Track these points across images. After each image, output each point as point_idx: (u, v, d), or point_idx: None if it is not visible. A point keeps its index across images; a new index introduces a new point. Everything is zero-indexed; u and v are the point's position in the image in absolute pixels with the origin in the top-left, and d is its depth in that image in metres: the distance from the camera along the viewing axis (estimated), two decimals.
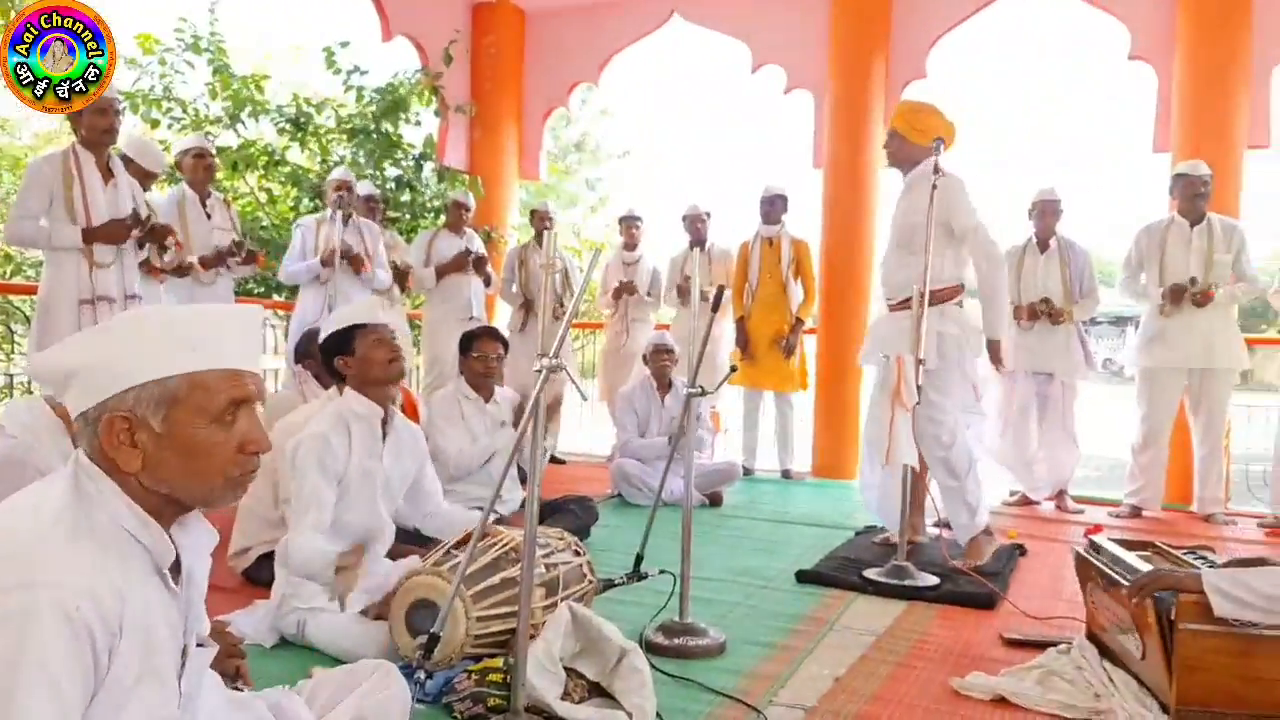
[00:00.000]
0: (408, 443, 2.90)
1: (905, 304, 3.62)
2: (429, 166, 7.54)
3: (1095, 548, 2.63)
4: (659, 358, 5.13)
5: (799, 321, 5.82)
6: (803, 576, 3.47)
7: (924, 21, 6.14)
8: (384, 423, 2.76)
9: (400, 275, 5.49)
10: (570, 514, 3.89)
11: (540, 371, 1.92)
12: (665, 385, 5.16)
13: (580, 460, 6.53)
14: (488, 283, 6.05)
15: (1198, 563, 2.35)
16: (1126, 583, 2.29)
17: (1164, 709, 2.18)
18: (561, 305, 5.93)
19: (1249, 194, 5.34)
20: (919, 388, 3.37)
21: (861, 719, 2.22)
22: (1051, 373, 4.96)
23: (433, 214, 7.59)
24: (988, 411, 4.58)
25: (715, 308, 3.00)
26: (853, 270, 6.10)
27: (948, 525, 4.10)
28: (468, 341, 4.06)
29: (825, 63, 6.25)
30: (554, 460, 6.14)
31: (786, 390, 5.93)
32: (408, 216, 7.56)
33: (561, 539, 2.71)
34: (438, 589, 2.32)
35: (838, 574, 3.47)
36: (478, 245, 6.10)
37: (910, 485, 3.49)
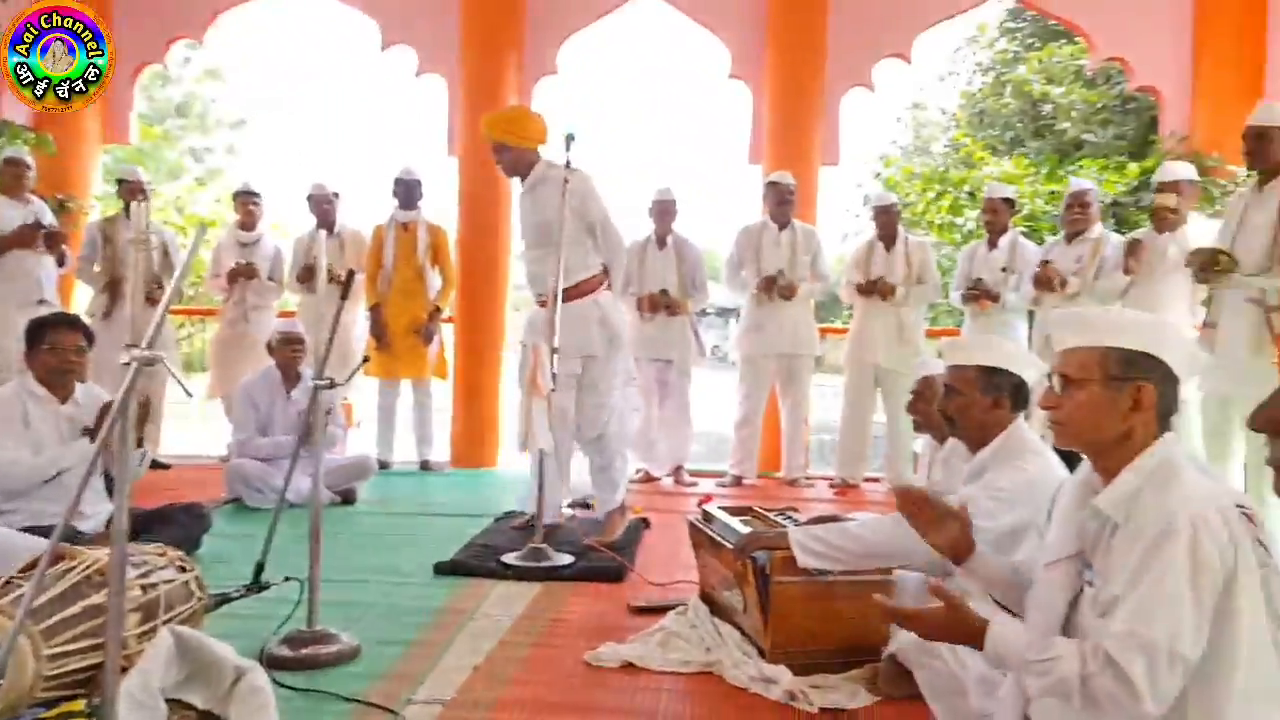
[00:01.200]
0: None
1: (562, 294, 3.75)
2: None
3: (706, 516, 2.91)
4: (286, 348, 4.74)
5: (437, 310, 5.72)
6: (440, 568, 3.42)
7: (556, 18, 6.32)
8: None
9: None
10: (176, 525, 3.46)
11: (130, 364, 1.65)
12: (292, 377, 4.78)
13: (188, 463, 5.83)
14: (61, 261, 5.15)
15: (786, 522, 2.70)
16: (731, 545, 2.57)
17: (761, 653, 2.47)
18: (160, 287, 5.23)
19: (823, 205, 6.26)
20: (575, 376, 3.49)
21: (500, 704, 2.25)
22: (670, 360, 5.41)
23: None
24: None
25: (345, 294, 2.83)
26: (489, 259, 6.13)
27: (584, 505, 4.32)
28: (37, 331, 3.36)
29: (458, 48, 6.20)
30: (156, 465, 5.41)
31: (424, 378, 5.80)
32: None
33: (163, 554, 2.39)
34: None
35: (476, 562, 3.48)
36: (48, 216, 5.17)
37: (544, 469, 3.60)
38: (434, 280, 5.77)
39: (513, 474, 5.41)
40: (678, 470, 5.55)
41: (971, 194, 8.84)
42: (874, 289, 5.23)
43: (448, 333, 6.09)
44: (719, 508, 2.98)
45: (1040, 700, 1.57)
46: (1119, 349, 1.53)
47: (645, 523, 4.28)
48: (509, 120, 3.89)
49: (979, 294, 5.09)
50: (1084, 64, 7.92)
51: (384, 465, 5.63)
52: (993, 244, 5.22)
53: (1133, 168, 7.18)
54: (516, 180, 3.96)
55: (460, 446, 6.12)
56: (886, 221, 5.39)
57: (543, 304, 3.83)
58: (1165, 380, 1.54)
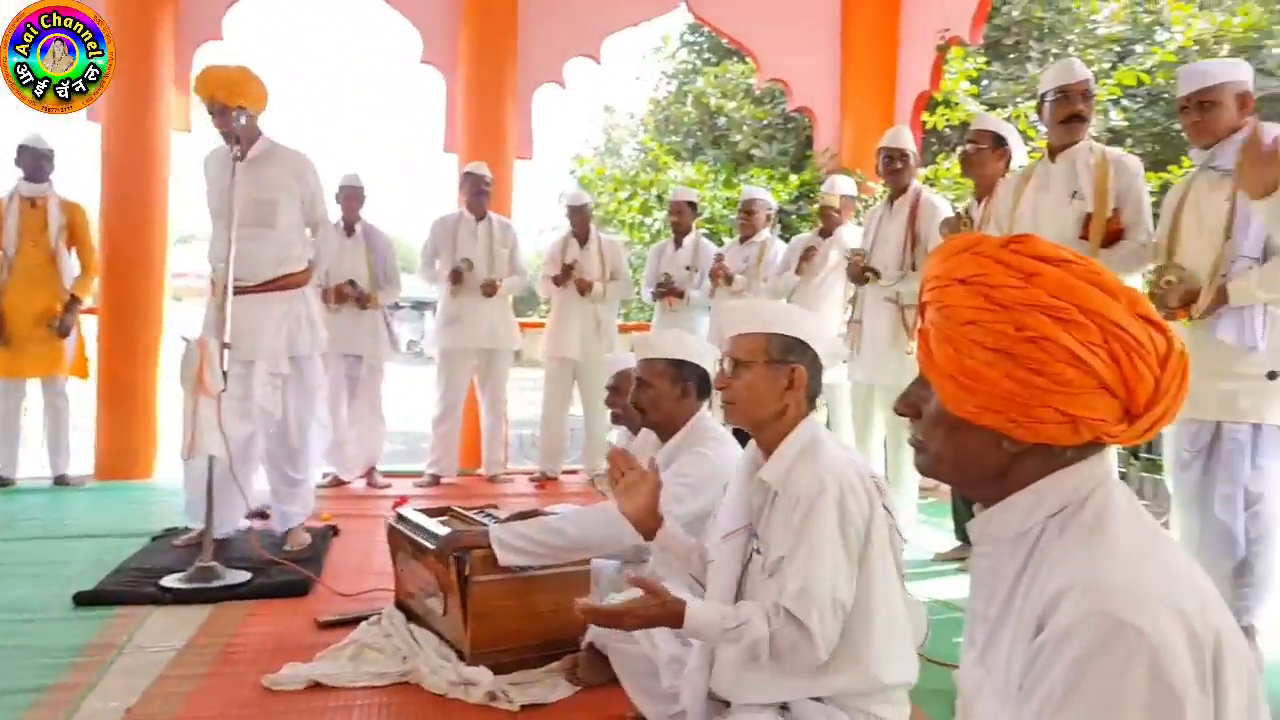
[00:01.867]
0: None
1: (268, 285, 3.42)
2: None
3: (402, 519, 2.78)
4: None
5: (75, 299, 4.92)
6: (82, 598, 2.96)
7: None
8: None
9: None
10: None
11: None
12: None
13: None
14: None
15: (486, 520, 2.66)
16: (430, 548, 2.48)
17: (461, 656, 2.41)
18: None
19: (519, 198, 6.28)
20: (226, 373, 3.14)
21: None
22: (360, 355, 5.13)
23: None
24: None
25: None
26: (141, 241, 5.35)
27: (261, 515, 3.95)
28: None
29: (105, 6, 5.39)
30: None
31: (57, 374, 4.96)
32: None
33: None
34: None
35: (128, 589, 3.05)
36: None
37: (214, 478, 3.24)
38: (70, 265, 4.97)
39: (173, 486, 4.73)
40: (370, 472, 5.28)
41: (659, 196, 9.35)
42: (569, 274, 5.32)
43: (89, 326, 5.27)
44: (415, 509, 2.86)
45: (718, 670, 1.72)
46: (779, 335, 1.78)
47: (334, 530, 4.02)
48: (242, 81, 3.39)
49: (667, 291, 5.39)
50: (752, 82, 8.67)
51: (5, 482, 4.79)
52: (678, 244, 5.55)
53: (794, 179, 7.99)
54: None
55: (106, 457, 5.30)
56: (580, 219, 5.52)
57: (248, 290, 3.42)
58: (813, 364, 1.80)
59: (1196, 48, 8.74)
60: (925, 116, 6.83)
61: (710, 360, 2.47)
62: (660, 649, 2.04)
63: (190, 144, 5.64)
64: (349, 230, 5.15)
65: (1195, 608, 0.82)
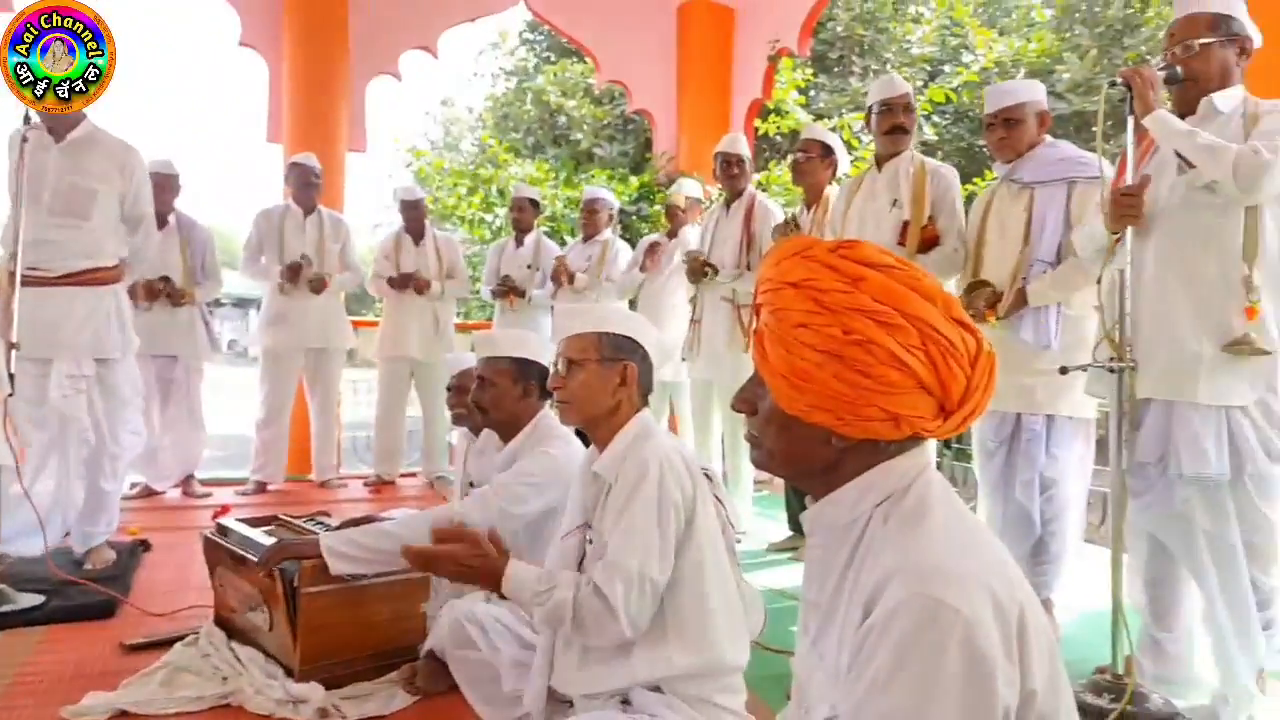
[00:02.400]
0: None
1: (74, 279, 3.14)
2: None
3: (223, 530, 2.61)
4: None
5: None
6: None
7: None
8: None
9: None
10: None
11: None
12: None
13: None
14: None
15: (317, 529, 2.53)
16: (253, 560, 2.33)
17: (290, 673, 2.28)
18: None
19: (351, 192, 6.03)
20: (11, 376, 2.84)
21: None
22: (175, 355, 4.77)
23: None
24: None
25: None
26: None
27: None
28: None
29: None
30: None
31: None
32: None
33: None
34: None
35: None
36: None
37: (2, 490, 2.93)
38: None
39: None
40: (187, 481, 4.93)
41: (501, 192, 9.23)
42: (408, 282, 5.18)
43: None
44: (238, 519, 2.69)
45: (560, 668, 1.73)
46: (610, 334, 1.83)
47: (143, 545, 3.72)
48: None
49: (508, 289, 5.33)
50: (593, 82, 8.72)
51: None
52: (519, 242, 5.50)
53: (634, 181, 8.10)
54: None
55: None
56: (414, 215, 5.37)
57: (50, 282, 3.13)
58: (644, 361, 1.86)
59: (997, 69, 9.54)
60: (758, 123, 7.09)
61: (552, 359, 2.46)
62: (501, 652, 2.02)
63: None
64: (161, 222, 4.77)
65: (1002, 584, 0.89)
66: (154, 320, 4.63)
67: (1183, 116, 2.31)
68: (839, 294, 0.95)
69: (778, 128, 7.42)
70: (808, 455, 1.03)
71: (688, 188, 5.04)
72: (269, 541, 2.38)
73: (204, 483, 5.04)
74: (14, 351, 2.82)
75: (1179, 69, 2.27)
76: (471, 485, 2.72)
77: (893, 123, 3.36)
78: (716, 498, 1.79)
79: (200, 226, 4.93)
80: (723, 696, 1.71)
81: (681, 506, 1.68)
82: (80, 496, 3.31)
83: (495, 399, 2.38)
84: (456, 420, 3.15)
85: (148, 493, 4.82)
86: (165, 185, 4.75)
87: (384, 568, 2.28)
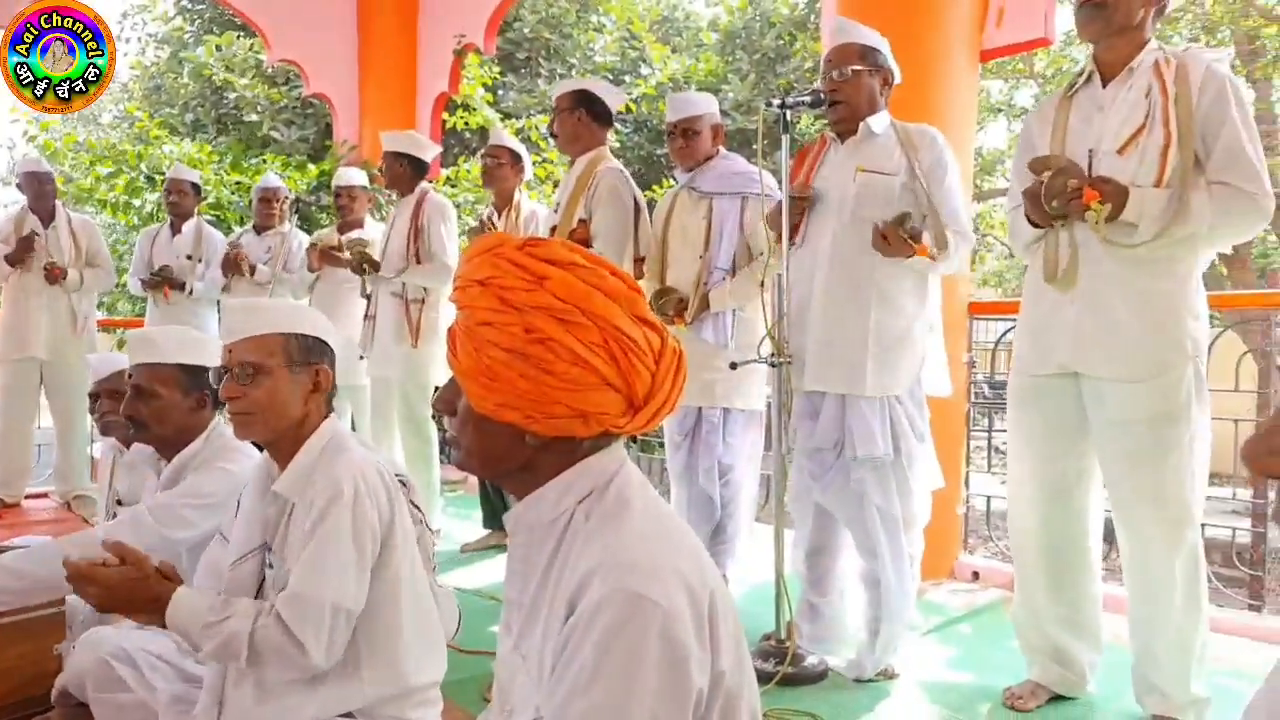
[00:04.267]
0: None
1: None
2: None
3: None
4: None
5: None
6: None
7: None
8: None
9: None
10: None
11: None
12: None
13: None
14: None
15: None
16: None
17: None
18: None
19: None
20: None
21: None
22: None
23: None
24: None
25: None
26: None
27: None
28: None
29: None
30: None
31: None
32: None
33: None
34: None
35: None
36: None
37: None
38: None
39: None
40: None
41: (150, 176, 8.22)
42: (29, 246, 4.47)
43: None
44: None
45: (232, 705, 1.55)
46: (299, 335, 1.63)
47: None
48: None
49: (163, 281, 4.78)
50: (264, 59, 8.07)
51: None
52: (176, 229, 4.96)
53: (312, 169, 7.61)
54: None
55: None
56: (40, 191, 4.62)
57: None
58: (332, 364, 1.69)
59: (671, 84, 10.24)
60: (445, 117, 6.99)
61: (210, 354, 2.19)
62: (159, 690, 1.76)
63: None
64: None
65: (695, 572, 0.94)
66: None
67: (839, 136, 2.63)
68: (522, 292, 0.96)
69: (465, 123, 7.37)
70: (504, 454, 1.03)
71: (350, 176, 4.79)
72: None
73: None
74: None
75: (823, 93, 2.55)
76: (120, 504, 2.41)
77: (551, 127, 3.52)
78: (412, 503, 1.71)
79: None
80: (418, 711, 1.65)
81: (378, 530, 1.55)
82: None
83: (159, 412, 2.05)
84: (105, 430, 2.73)
85: None
86: None
87: (7, 606, 1.96)
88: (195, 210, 5.07)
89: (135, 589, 1.47)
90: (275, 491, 1.59)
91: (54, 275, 4.49)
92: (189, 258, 4.87)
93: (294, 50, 6.65)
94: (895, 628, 2.57)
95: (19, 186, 4.63)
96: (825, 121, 2.71)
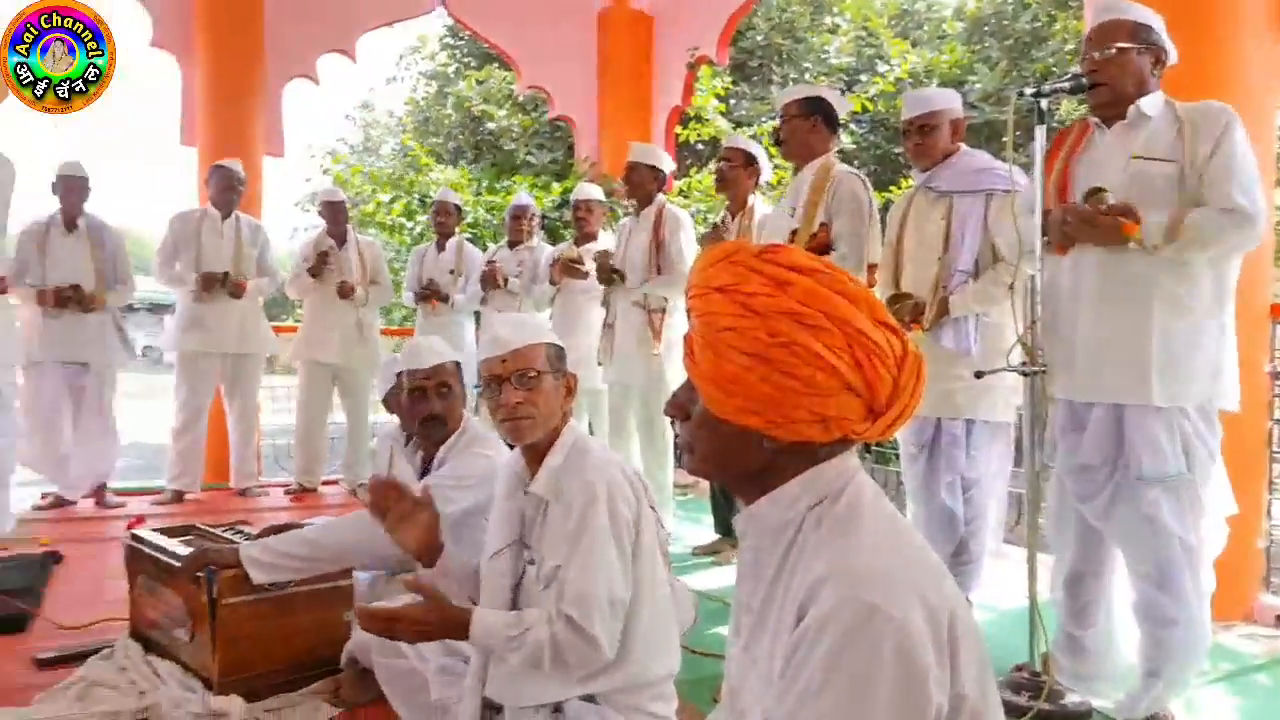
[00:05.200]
0: None
1: None
2: None
3: (139, 540, 2.55)
4: None
5: None
6: None
7: None
8: None
9: None
10: None
11: None
12: None
13: None
14: None
15: (236, 538, 2.49)
16: (175, 569, 2.29)
17: (209, 685, 2.24)
18: None
19: (269, 197, 5.91)
20: None
21: None
22: (86, 362, 4.61)
23: None
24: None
25: None
26: None
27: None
28: None
29: None
30: None
31: None
32: None
33: None
34: None
35: None
36: None
37: None
38: None
39: None
40: (99, 491, 4.75)
41: (422, 199, 9.12)
42: (325, 261, 5.10)
43: None
44: (153, 530, 2.63)
45: (494, 677, 1.70)
46: (554, 344, 1.79)
47: (55, 557, 3.59)
48: None
49: (430, 294, 5.29)
50: (516, 88, 8.71)
51: None
52: (441, 246, 5.47)
53: (556, 187, 8.12)
54: None
55: None
56: (336, 217, 5.29)
57: None
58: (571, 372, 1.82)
59: (910, 80, 9.86)
60: (678, 130, 7.19)
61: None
62: (428, 660, 1.98)
63: None
64: (69, 225, 4.61)
65: (933, 588, 0.91)
66: (63, 327, 4.48)
67: (1104, 121, 2.37)
68: (765, 297, 0.96)
69: (698, 135, 7.54)
70: (739, 459, 1.03)
71: (589, 191, 5.05)
72: (185, 552, 2.33)
73: (118, 493, 4.88)
74: None
75: (1085, 78, 2.31)
76: None
77: (779, 134, 3.47)
78: (650, 506, 1.77)
79: (111, 229, 4.78)
80: (655, 704, 1.73)
81: (631, 524, 1.66)
82: None
83: (452, 407, 2.39)
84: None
85: (58, 503, 4.64)
86: (74, 188, 4.60)
87: (305, 574, 2.27)
88: (457, 229, 5.57)
89: (440, 618, 1.62)
90: (531, 492, 1.72)
91: (345, 291, 5.11)
92: (451, 273, 5.36)
93: (541, 77, 7.13)
94: (1184, 671, 2.30)
95: (320, 213, 5.35)
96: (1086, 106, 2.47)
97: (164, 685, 2.27)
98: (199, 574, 2.21)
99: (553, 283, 4.83)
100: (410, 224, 9.34)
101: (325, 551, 2.23)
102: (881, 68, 10.50)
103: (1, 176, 3.24)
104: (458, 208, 5.58)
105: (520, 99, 10.82)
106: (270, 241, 5.19)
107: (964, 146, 3.05)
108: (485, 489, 2.17)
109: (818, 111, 3.38)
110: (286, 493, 5.21)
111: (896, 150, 9.87)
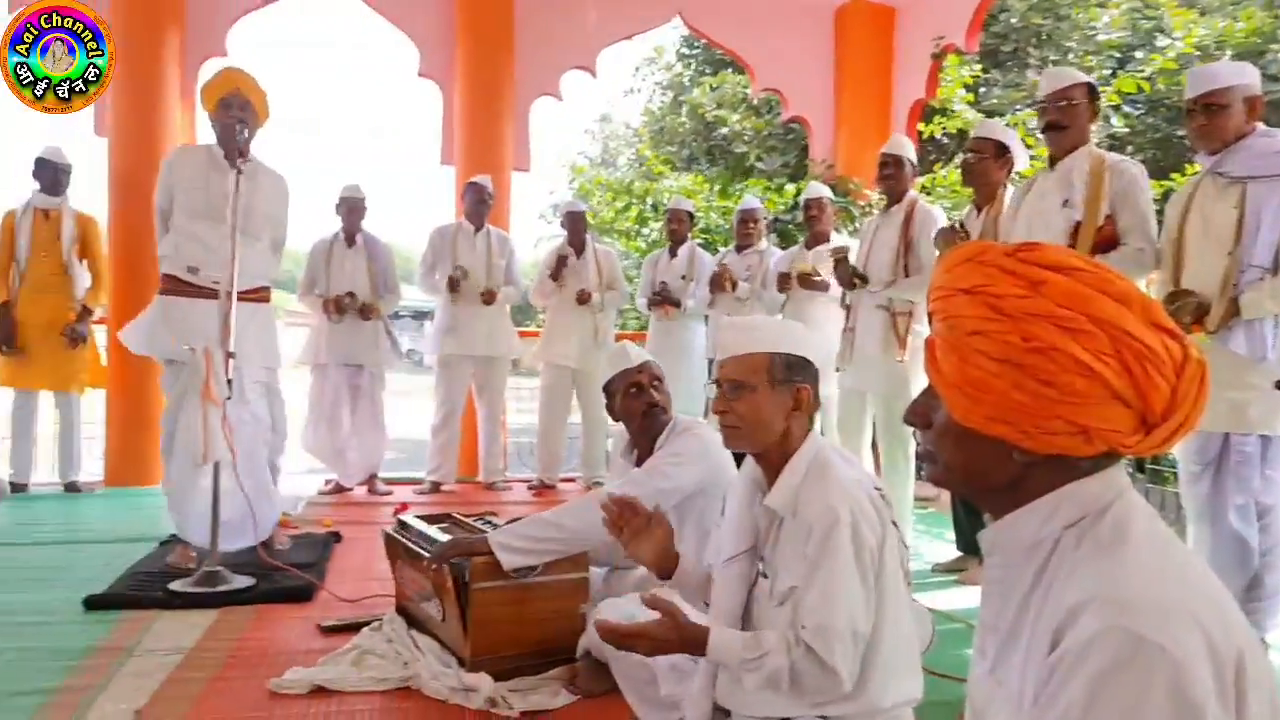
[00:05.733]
0: None
1: (247, 295, 3.40)
2: None
3: (403, 525, 2.81)
4: None
5: (86, 310, 4.97)
6: (93, 602, 2.99)
7: None
8: None
9: None
10: None
11: None
12: None
13: None
14: None
15: (485, 527, 2.68)
16: (428, 554, 2.50)
17: (462, 662, 2.43)
18: None
19: (516, 210, 6.31)
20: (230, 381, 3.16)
21: None
22: (361, 364, 5.15)
23: None
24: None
25: None
26: (147, 253, 5.37)
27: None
28: None
29: (120, 24, 5.40)
30: None
31: (69, 390, 5.04)
32: None
33: None
34: None
35: (138, 592, 3.08)
36: None
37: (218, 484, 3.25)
38: (82, 276, 5.03)
39: None
40: (371, 479, 5.31)
41: (655, 206, 9.38)
42: (563, 265, 5.36)
43: (101, 336, 5.32)
44: (416, 516, 2.89)
45: (724, 682, 1.69)
46: (783, 354, 1.70)
47: (336, 537, 4.04)
48: (258, 87, 3.47)
49: (663, 299, 5.42)
50: (749, 92, 8.72)
51: (18, 488, 4.81)
52: (674, 253, 5.58)
53: (790, 189, 8.03)
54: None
55: (115, 463, 5.35)
56: (576, 226, 5.55)
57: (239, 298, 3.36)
58: (814, 381, 1.74)
59: (1198, 54, 8.78)
60: (921, 125, 6.88)
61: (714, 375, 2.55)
62: (659, 657, 2.04)
63: None
64: (350, 241, 5.18)
65: (1217, 622, 0.81)
66: (343, 332, 5.03)
67: None
68: (1017, 299, 0.89)
69: (944, 129, 7.17)
70: (987, 471, 0.96)
71: (819, 190, 4.92)
72: (443, 538, 2.55)
73: (386, 482, 5.40)
74: (231, 360, 3.14)
75: None
76: None
77: (1046, 121, 3.15)
78: (893, 523, 1.68)
79: (382, 244, 5.31)
80: None
81: (875, 549, 1.60)
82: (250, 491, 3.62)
83: (666, 399, 2.55)
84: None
85: (337, 489, 5.23)
86: (355, 208, 5.17)
87: (550, 557, 2.41)
88: (689, 235, 5.67)
89: (678, 636, 1.63)
90: (767, 506, 1.69)
91: (583, 298, 5.35)
92: (683, 278, 5.46)
93: (776, 79, 7.08)
94: None
95: (561, 223, 5.65)
96: None
97: (424, 658, 2.48)
98: (453, 559, 2.40)
99: (781, 290, 4.78)
100: (646, 231, 9.64)
101: (566, 531, 2.37)
102: (1161, 42, 9.45)
103: (278, 191, 3.62)
104: (690, 214, 5.68)
105: (754, 102, 10.83)
106: (516, 252, 5.55)
107: (1261, 126, 2.68)
108: (703, 465, 2.26)
109: (1094, 96, 3.14)
110: (529, 488, 5.53)
111: (1180, 133, 8.85)
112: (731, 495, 1.84)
